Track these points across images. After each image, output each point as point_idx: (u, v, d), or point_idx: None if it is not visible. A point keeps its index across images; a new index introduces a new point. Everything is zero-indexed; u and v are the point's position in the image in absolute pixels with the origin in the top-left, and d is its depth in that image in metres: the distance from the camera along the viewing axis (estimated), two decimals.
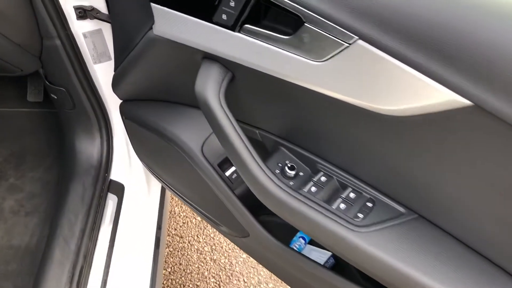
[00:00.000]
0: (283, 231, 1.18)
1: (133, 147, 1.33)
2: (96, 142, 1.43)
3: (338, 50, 0.70)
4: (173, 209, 2.10)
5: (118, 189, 1.44)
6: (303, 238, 1.17)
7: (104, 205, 1.40)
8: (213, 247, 1.99)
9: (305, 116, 0.89)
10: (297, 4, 0.70)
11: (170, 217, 2.08)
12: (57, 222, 1.33)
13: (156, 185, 1.55)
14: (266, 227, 1.12)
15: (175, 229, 2.04)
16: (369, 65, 0.68)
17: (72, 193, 1.38)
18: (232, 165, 1.10)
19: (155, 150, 1.20)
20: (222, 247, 1.99)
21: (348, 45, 0.68)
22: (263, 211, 1.20)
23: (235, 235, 1.22)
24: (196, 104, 1.11)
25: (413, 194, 0.82)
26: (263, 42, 0.78)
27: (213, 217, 1.24)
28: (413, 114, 0.68)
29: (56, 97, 1.38)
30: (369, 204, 0.87)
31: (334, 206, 0.86)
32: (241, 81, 0.91)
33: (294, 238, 1.18)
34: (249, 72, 0.84)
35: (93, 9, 1.24)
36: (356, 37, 0.67)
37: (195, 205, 1.26)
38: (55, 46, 1.22)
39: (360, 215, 0.85)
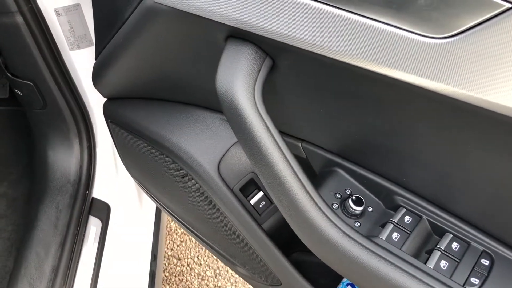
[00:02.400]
0: (323, 275, 0.89)
1: (121, 159, 1.04)
2: (74, 151, 1.17)
3: (483, 18, 0.40)
4: (168, 224, 1.81)
5: (103, 211, 1.18)
6: (352, 286, 0.88)
7: (84, 232, 1.13)
8: (217, 271, 1.71)
9: (383, 126, 0.59)
10: None
11: (165, 235, 1.79)
12: (22, 258, 1.04)
13: (150, 204, 1.26)
14: (302, 271, 0.83)
15: (172, 249, 1.75)
16: None
17: (42, 218, 1.10)
18: (259, 190, 0.81)
19: (151, 166, 0.91)
20: (227, 271, 1.70)
21: (509, 5, 0.38)
22: (294, 247, 0.91)
23: (258, 281, 0.92)
24: (210, 105, 0.80)
25: None
26: (334, 6, 0.48)
27: (228, 255, 0.94)
28: None
29: (21, 93, 1.10)
30: (485, 262, 0.58)
31: (431, 265, 0.57)
32: (286, 72, 0.61)
33: (340, 286, 0.89)
34: (302, 58, 0.54)
35: None
36: None
37: (204, 238, 0.97)
38: (16, 25, 0.95)
39: (475, 281, 0.56)
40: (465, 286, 0.55)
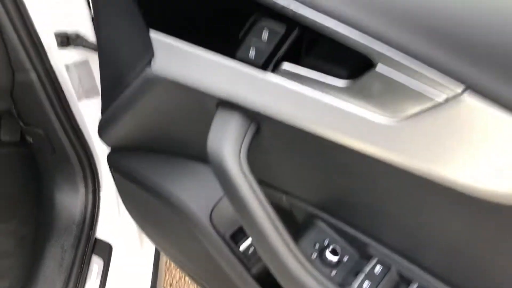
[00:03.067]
0: None
1: (124, 205, 1.09)
2: (79, 194, 1.22)
3: (427, 106, 0.47)
4: (168, 260, 1.85)
5: (105, 250, 1.22)
6: None
7: (88, 271, 1.17)
8: None
9: (356, 186, 0.66)
10: (372, 37, 0.47)
11: (164, 271, 1.83)
12: None
13: (150, 244, 1.31)
14: None
15: (171, 285, 1.79)
16: (476, 128, 0.45)
17: (48, 256, 1.15)
18: (248, 236, 0.86)
19: (152, 213, 0.97)
20: None
21: (445, 98, 0.46)
22: None
23: None
24: (204, 157, 0.87)
25: None
26: (308, 87, 0.55)
27: None
28: None
29: (32, 140, 1.15)
30: None
31: None
32: (269, 136, 0.68)
33: None
34: (282, 125, 0.61)
35: (78, 37, 1.02)
36: (463, 85, 0.44)
37: (200, 279, 1.02)
38: (30, 81, 1.01)
39: None
40: None
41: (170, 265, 1.85)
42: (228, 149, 0.64)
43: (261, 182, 0.74)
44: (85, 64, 1.08)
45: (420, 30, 0.45)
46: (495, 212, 0.51)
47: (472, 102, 0.44)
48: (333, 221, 0.74)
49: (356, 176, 0.64)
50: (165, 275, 1.82)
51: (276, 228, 0.64)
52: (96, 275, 1.18)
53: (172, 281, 1.80)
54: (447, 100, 0.45)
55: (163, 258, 1.41)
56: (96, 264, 1.19)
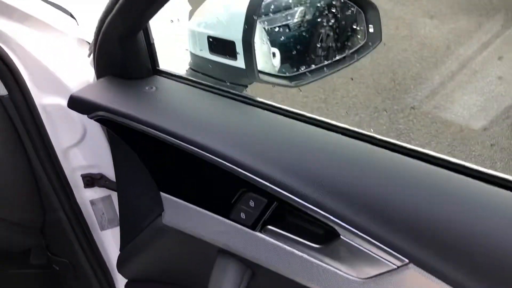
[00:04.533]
0: None
1: None
2: None
3: (383, 271, 0.57)
4: None
5: None
6: None
7: None
8: None
9: None
10: (331, 215, 0.58)
11: None
12: None
13: None
14: None
15: None
16: None
17: None
18: None
19: None
20: None
21: (395, 267, 0.55)
22: None
23: None
24: None
25: None
26: (289, 247, 0.66)
27: None
28: None
29: (58, 268, 1.25)
30: None
31: None
32: (262, 280, 0.77)
33: None
34: (272, 273, 0.71)
35: (101, 177, 1.15)
36: (407, 260, 0.54)
37: None
38: (59, 219, 1.12)
39: None
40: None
41: None
42: None
43: None
44: (108, 198, 1.20)
45: (373, 216, 0.56)
46: None
47: (416, 271, 0.53)
48: None
49: None
50: None
51: None
52: None
53: None
54: (398, 267, 0.55)
55: None
56: None
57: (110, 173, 1.16)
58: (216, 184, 0.71)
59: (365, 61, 1.57)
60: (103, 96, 0.82)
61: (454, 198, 0.56)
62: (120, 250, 1.02)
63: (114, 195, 1.22)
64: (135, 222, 0.92)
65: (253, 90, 1.04)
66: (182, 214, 0.77)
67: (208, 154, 0.69)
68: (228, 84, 0.93)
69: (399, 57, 3.36)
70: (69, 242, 1.18)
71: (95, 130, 1.03)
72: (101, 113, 0.79)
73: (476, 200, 0.56)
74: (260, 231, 0.68)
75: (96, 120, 0.83)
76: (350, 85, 3.05)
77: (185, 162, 0.74)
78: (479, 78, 3.11)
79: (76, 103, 0.84)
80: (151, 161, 0.80)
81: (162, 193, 0.78)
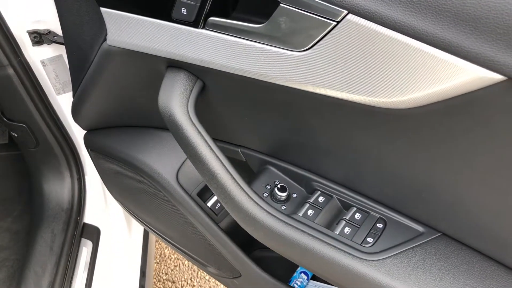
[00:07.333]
0: (282, 267, 1.02)
1: (104, 183, 1.18)
2: (66, 182, 1.29)
3: (323, 33, 0.56)
4: (162, 251, 1.93)
5: (93, 234, 1.29)
6: (305, 274, 1.01)
7: (77, 252, 1.24)
8: None
9: (293, 126, 0.74)
10: None
11: (160, 261, 1.90)
12: (22, 277, 1.16)
13: (138, 227, 1.38)
14: (260, 264, 0.95)
15: (166, 274, 1.86)
16: (363, 46, 0.54)
17: (39, 241, 1.22)
18: None
19: (127, 184, 1.05)
20: None
21: (335, 23, 0.54)
22: (255, 245, 1.04)
23: (224, 276, 1.05)
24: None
25: (433, 208, 0.66)
26: (232, 36, 0.64)
27: (198, 257, 1.07)
28: (426, 103, 0.53)
29: (16, 135, 1.24)
30: (380, 225, 0.71)
31: (337, 231, 0.71)
32: (214, 90, 0.76)
33: (295, 275, 1.01)
34: (222, 77, 0.70)
35: (49, 32, 1.10)
36: (345, 11, 0.53)
37: (178, 245, 1.10)
38: (8, 76, 1.09)
39: (370, 240, 0.70)
40: (362, 245, 0.69)
41: (165, 255, 1.92)
42: (176, 103, 0.72)
43: (217, 140, 0.82)
44: (59, 58, 1.15)
45: None
46: (405, 122, 0.59)
47: (356, 21, 0.52)
48: (281, 164, 0.82)
49: (289, 116, 0.72)
50: (160, 266, 1.89)
51: (224, 168, 0.72)
52: (86, 257, 1.26)
53: (168, 270, 1.87)
54: (338, 22, 0.54)
55: (152, 239, 1.49)
56: (85, 247, 1.27)
57: (58, 28, 1.12)
58: None
59: None
60: None
61: None
62: (73, 97, 1.00)
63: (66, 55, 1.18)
64: (83, 57, 0.89)
65: None
66: (125, 28, 0.74)
67: None
68: None
69: None
70: (24, 105, 1.16)
71: None
72: None
73: None
74: (204, 28, 0.66)
75: None
76: None
77: None
78: None
79: None
80: None
81: (102, 9, 0.74)
